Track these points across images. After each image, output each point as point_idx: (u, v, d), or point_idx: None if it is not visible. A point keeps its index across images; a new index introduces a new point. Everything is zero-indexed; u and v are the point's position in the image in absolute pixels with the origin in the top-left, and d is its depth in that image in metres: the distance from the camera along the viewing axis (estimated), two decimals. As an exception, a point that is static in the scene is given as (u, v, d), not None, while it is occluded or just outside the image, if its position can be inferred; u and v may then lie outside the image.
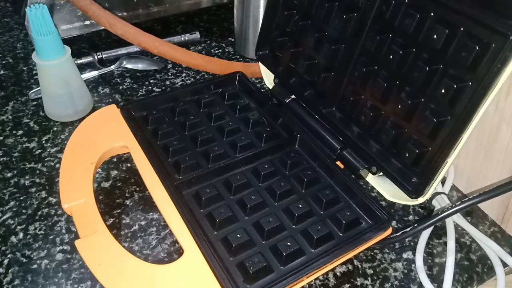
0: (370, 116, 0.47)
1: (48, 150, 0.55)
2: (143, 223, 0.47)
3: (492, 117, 0.46)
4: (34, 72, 0.69)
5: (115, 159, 0.54)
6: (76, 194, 0.45)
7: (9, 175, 0.52)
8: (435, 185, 0.42)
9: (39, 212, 0.48)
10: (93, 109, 0.62)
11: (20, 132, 0.58)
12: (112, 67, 0.70)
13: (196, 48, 0.77)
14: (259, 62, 0.63)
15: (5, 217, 0.47)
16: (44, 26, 0.53)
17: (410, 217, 0.50)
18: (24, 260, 0.43)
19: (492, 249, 0.46)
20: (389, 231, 0.44)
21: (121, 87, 0.67)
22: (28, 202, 0.49)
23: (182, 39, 0.76)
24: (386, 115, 0.46)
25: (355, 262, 0.45)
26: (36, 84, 0.66)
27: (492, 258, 0.46)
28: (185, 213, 0.43)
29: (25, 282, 0.42)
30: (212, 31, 0.81)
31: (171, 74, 0.70)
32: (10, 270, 0.43)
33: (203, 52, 0.75)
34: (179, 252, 0.42)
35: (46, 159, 0.54)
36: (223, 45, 0.78)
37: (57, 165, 0.53)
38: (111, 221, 0.47)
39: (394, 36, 0.44)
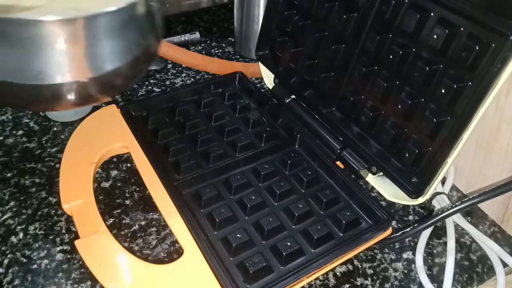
0: (370, 116, 0.47)
1: (48, 150, 0.55)
2: (143, 223, 0.47)
3: (492, 117, 0.46)
4: (34, 72, 0.69)
5: (115, 159, 0.54)
6: (76, 194, 0.45)
7: (9, 175, 0.52)
8: (435, 185, 0.42)
9: (39, 212, 0.48)
10: (93, 109, 0.61)
11: (20, 132, 0.58)
12: (112, 67, 0.69)
13: (196, 48, 0.77)
14: (259, 62, 0.63)
15: (5, 217, 0.47)
16: (44, 26, 0.53)
17: (410, 217, 0.50)
18: (24, 260, 0.43)
19: (492, 249, 0.46)
20: (389, 231, 0.45)
21: (121, 87, 0.67)
22: (28, 202, 0.49)
23: (182, 39, 0.76)
24: (386, 115, 0.46)
25: (355, 262, 0.45)
26: (36, 84, 0.66)
27: (492, 258, 0.46)
28: (185, 213, 0.43)
29: (25, 282, 0.42)
30: (212, 31, 0.81)
31: (171, 74, 0.70)
32: (10, 270, 0.43)
33: (203, 52, 0.75)
34: (179, 252, 0.42)
35: (46, 159, 0.54)
36: (223, 45, 0.78)
37: (57, 165, 0.53)
38: (111, 221, 0.47)
39: (394, 36, 0.44)
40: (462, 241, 0.48)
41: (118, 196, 0.50)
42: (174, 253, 0.44)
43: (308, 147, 0.52)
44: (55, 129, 0.59)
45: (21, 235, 0.46)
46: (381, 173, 0.48)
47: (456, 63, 0.39)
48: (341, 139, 0.51)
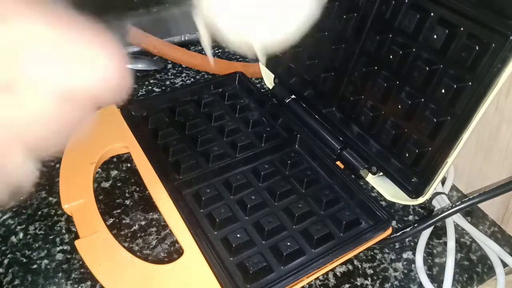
0: (370, 116, 0.47)
1: (48, 150, 0.55)
2: (143, 223, 0.47)
3: (492, 117, 0.46)
4: (34, 72, 0.69)
5: (115, 159, 0.54)
6: (76, 194, 0.45)
7: (9, 175, 0.52)
8: (435, 185, 0.42)
9: (39, 212, 0.48)
10: (93, 109, 0.61)
11: (20, 132, 0.58)
12: (112, 67, 0.69)
13: (196, 48, 0.77)
14: (259, 62, 0.63)
15: (5, 217, 0.47)
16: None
17: (410, 217, 0.50)
18: (24, 260, 0.43)
19: (492, 249, 0.46)
20: (389, 231, 0.44)
21: (121, 87, 0.67)
22: (28, 202, 0.49)
23: (182, 39, 0.76)
24: (386, 115, 0.46)
25: (355, 262, 0.45)
26: (36, 84, 0.66)
27: (492, 258, 0.46)
28: (185, 213, 0.43)
29: (25, 282, 0.42)
30: (212, 31, 0.81)
31: (171, 74, 0.70)
32: (10, 270, 0.43)
33: (203, 52, 0.75)
34: (179, 252, 0.42)
35: (46, 159, 0.54)
36: (223, 45, 0.78)
37: (57, 165, 0.53)
38: (111, 221, 0.47)
39: (394, 36, 0.44)
40: (462, 241, 0.48)
41: (118, 196, 0.50)
42: (174, 253, 0.44)
43: (308, 147, 0.52)
44: (55, 129, 0.59)
45: (21, 235, 0.46)
46: (381, 173, 0.48)
47: (456, 63, 0.39)
48: (341, 139, 0.51)
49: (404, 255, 0.46)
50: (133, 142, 0.51)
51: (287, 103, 0.58)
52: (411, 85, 0.43)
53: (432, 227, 0.47)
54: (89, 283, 0.42)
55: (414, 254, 0.46)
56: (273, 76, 0.61)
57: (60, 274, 0.42)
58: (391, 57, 0.44)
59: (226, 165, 0.50)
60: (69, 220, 0.47)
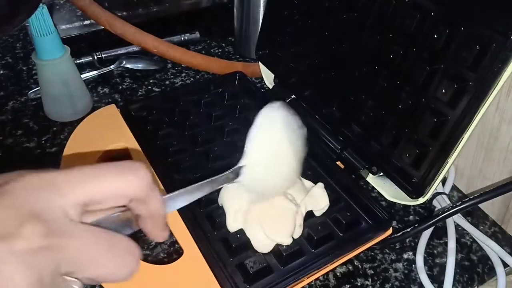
0: (370, 116, 0.47)
1: (48, 150, 0.55)
2: (142, 223, 0.47)
3: (493, 117, 0.46)
4: (33, 72, 0.69)
5: (114, 160, 0.54)
6: (76, 194, 0.45)
7: (8, 175, 0.52)
8: (435, 185, 0.42)
9: (39, 213, 0.48)
10: (93, 109, 0.61)
11: (20, 132, 0.58)
12: (112, 66, 0.69)
13: (196, 48, 0.77)
14: (259, 62, 0.63)
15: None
16: (44, 26, 0.53)
17: (411, 218, 0.50)
18: (24, 261, 0.43)
19: (492, 249, 0.46)
20: (390, 231, 0.44)
21: (120, 87, 0.67)
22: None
23: (182, 39, 0.76)
24: (387, 115, 0.46)
25: (356, 262, 0.45)
26: (35, 84, 0.66)
27: (493, 258, 0.46)
28: (185, 213, 0.43)
29: (25, 283, 0.42)
30: (212, 31, 0.81)
31: (170, 74, 0.70)
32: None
33: (203, 52, 0.75)
34: (179, 252, 0.42)
35: (45, 159, 0.54)
36: (223, 45, 0.78)
37: (57, 166, 0.53)
38: (111, 222, 0.47)
39: (394, 36, 0.44)
40: (463, 241, 0.48)
41: (118, 196, 0.50)
42: (174, 253, 0.44)
43: (308, 147, 0.52)
44: (54, 129, 0.59)
45: (20, 235, 0.45)
46: (382, 173, 0.48)
47: (456, 63, 0.39)
48: (341, 139, 0.51)
49: (405, 256, 0.46)
50: (132, 142, 0.51)
51: (287, 103, 0.57)
52: (412, 85, 0.43)
53: (433, 227, 0.47)
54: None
55: (414, 254, 0.46)
56: (273, 76, 0.61)
57: (59, 275, 0.42)
58: (391, 57, 0.44)
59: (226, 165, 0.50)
60: (69, 220, 0.47)
